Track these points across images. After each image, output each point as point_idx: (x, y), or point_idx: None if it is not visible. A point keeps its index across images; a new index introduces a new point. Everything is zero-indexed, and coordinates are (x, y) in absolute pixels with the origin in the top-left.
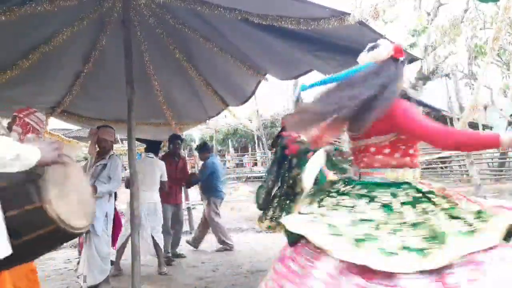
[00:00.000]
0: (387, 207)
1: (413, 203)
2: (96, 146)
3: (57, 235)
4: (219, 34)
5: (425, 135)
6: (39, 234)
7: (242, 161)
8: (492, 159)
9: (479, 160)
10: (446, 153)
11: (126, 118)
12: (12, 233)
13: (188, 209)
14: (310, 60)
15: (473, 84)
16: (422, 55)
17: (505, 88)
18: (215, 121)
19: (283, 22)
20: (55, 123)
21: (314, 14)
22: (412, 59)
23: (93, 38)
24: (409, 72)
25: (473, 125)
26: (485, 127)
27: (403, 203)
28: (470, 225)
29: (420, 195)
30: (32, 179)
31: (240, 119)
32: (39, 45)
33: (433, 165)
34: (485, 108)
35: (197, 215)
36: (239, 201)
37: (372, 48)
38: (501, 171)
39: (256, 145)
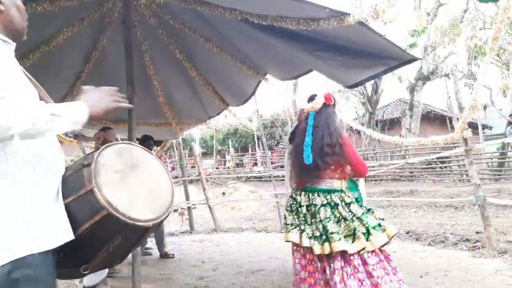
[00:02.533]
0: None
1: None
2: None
3: (111, 224)
4: (219, 34)
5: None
6: (95, 221)
7: (242, 161)
8: (491, 159)
9: (479, 160)
10: (445, 153)
11: (127, 118)
12: (72, 221)
13: (189, 208)
14: (310, 60)
15: (472, 84)
16: (421, 55)
17: (504, 88)
18: (216, 121)
19: (283, 23)
20: None
21: (314, 15)
22: (411, 59)
23: (94, 38)
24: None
25: (473, 125)
26: (484, 127)
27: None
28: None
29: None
30: (89, 163)
31: (240, 119)
32: (40, 45)
33: (433, 165)
34: (485, 108)
35: (198, 214)
36: (239, 201)
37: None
38: (501, 171)
39: (256, 145)
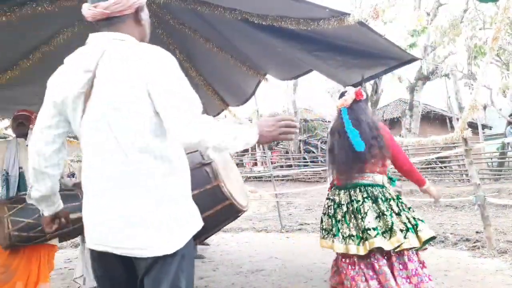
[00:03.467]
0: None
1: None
2: None
3: (229, 210)
4: (219, 35)
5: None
6: (217, 209)
7: (242, 161)
8: (491, 159)
9: (479, 160)
10: (445, 153)
11: None
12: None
13: None
14: (310, 60)
15: (472, 84)
16: (421, 55)
17: (504, 88)
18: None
19: (283, 23)
20: None
21: (314, 15)
22: (411, 59)
23: None
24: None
25: (473, 125)
26: (484, 127)
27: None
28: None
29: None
30: (208, 163)
31: (240, 119)
32: (40, 45)
33: (433, 165)
34: (485, 108)
35: None
36: None
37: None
38: (500, 171)
39: (256, 145)
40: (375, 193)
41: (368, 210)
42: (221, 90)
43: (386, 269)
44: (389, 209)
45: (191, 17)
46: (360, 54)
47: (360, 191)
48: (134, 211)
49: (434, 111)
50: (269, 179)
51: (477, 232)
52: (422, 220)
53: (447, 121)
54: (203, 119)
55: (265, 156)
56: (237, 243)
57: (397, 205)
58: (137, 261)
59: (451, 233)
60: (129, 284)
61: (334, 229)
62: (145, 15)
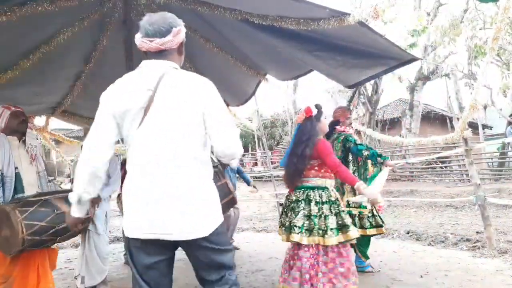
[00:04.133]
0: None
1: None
2: None
3: (230, 201)
4: (219, 35)
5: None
6: (225, 201)
7: (242, 161)
8: (491, 159)
9: (479, 160)
10: (445, 153)
11: None
12: None
13: None
14: (310, 60)
15: (473, 84)
16: (422, 55)
17: (504, 88)
18: None
19: (283, 23)
20: (56, 123)
21: (314, 15)
22: (412, 59)
23: (94, 38)
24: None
25: (473, 125)
26: (484, 127)
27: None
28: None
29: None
30: (216, 165)
31: (240, 119)
32: (40, 45)
33: (433, 165)
34: (485, 108)
35: None
36: (239, 200)
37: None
38: (501, 171)
39: (256, 145)
40: (311, 196)
41: (300, 210)
42: (221, 90)
43: (308, 262)
44: (319, 212)
45: (191, 17)
46: (360, 54)
47: (302, 193)
48: (188, 204)
49: (434, 111)
50: (269, 179)
51: (477, 232)
52: (347, 225)
53: (448, 121)
54: (238, 140)
55: (265, 156)
56: (237, 243)
57: (330, 208)
58: (188, 242)
59: (451, 233)
60: (169, 268)
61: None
62: (183, 47)
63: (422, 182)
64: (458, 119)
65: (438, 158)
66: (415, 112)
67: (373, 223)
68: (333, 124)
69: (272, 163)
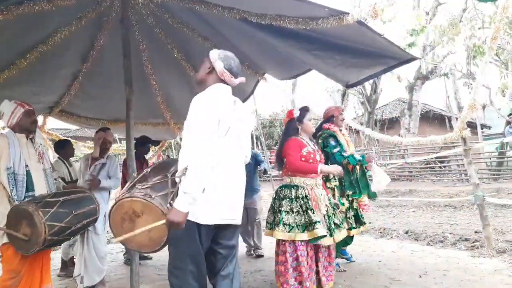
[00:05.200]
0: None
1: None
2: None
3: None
4: (217, 33)
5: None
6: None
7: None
8: (490, 158)
9: (478, 160)
10: (444, 153)
11: (125, 118)
12: None
13: None
14: (309, 60)
15: (471, 84)
16: (420, 55)
17: (503, 87)
18: None
19: (281, 22)
20: (53, 122)
21: (313, 14)
22: (411, 59)
23: (92, 37)
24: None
25: (472, 125)
26: (483, 126)
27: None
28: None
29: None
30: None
31: None
32: (37, 44)
33: (432, 165)
34: (484, 107)
35: None
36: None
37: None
38: (499, 170)
39: (255, 144)
40: (283, 193)
41: (273, 205)
42: None
43: (282, 256)
44: (287, 208)
45: (189, 16)
46: (359, 53)
47: (280, 190)
48: (243, 197)
49: (433, 110)
50: (268, 179)
51: (476, 232)
52: (319, 221)
53: (446, 120)
54: (190, 153)
55: (264, 156)
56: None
57: (299, 205)
58: (232, 228)
59: (450, 233)
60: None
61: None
62: None
63: (421, 182)
64: (456, 118)
65: (436, 157)
66: (414, 112)
67: (354, 223)
68: (326, 121)
69: (270, 163)
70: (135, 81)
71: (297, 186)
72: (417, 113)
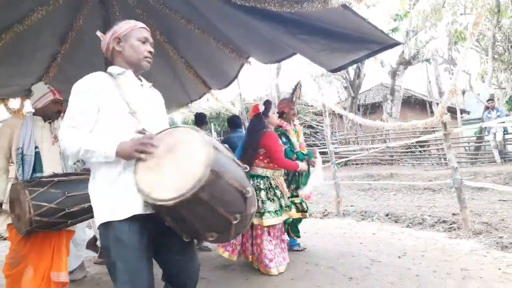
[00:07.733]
0: None
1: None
2: None
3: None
4: (201, 16)
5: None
6: None
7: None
8: (468, 143)
9: (456, 144)
10: (424, 137)
11: None
12: None
13: None
14: (293, 44)
15: (452, 69)
16: (404, 40)
17: (483, 73)
18: (198, 105)
19: (266, 4)
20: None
21: None
22: (394, 44)
23: (70, 17)
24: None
25: (451, 110)
26: (463, 111)
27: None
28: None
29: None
30: None
31: (222, 103)
32: (13, 24)
33: (412, 149)
34: (463, 93)
35: None
36: None
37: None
38: (477, 155)
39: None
40: (255, 183)
41: None
42: (204, 73)
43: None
44: (265, 197)
45: None
46: (344, 37)
47: (251, 180)
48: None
49: (414, 96)
50: None
51: (453, 214)
52: (279, 209)
53: (427, 106)
54: (63, 135)
55: None
56: None
57: (267, 193)
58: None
59: (428, 215)
60: None
61: None
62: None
63: (402, 166)
64: (437, 104)
65: (417, 142)
66: (396, 97)
67: (300, 208)
68: (278, 116)
69: None
70: None
71: (267, 177)
72: (399, 98)
